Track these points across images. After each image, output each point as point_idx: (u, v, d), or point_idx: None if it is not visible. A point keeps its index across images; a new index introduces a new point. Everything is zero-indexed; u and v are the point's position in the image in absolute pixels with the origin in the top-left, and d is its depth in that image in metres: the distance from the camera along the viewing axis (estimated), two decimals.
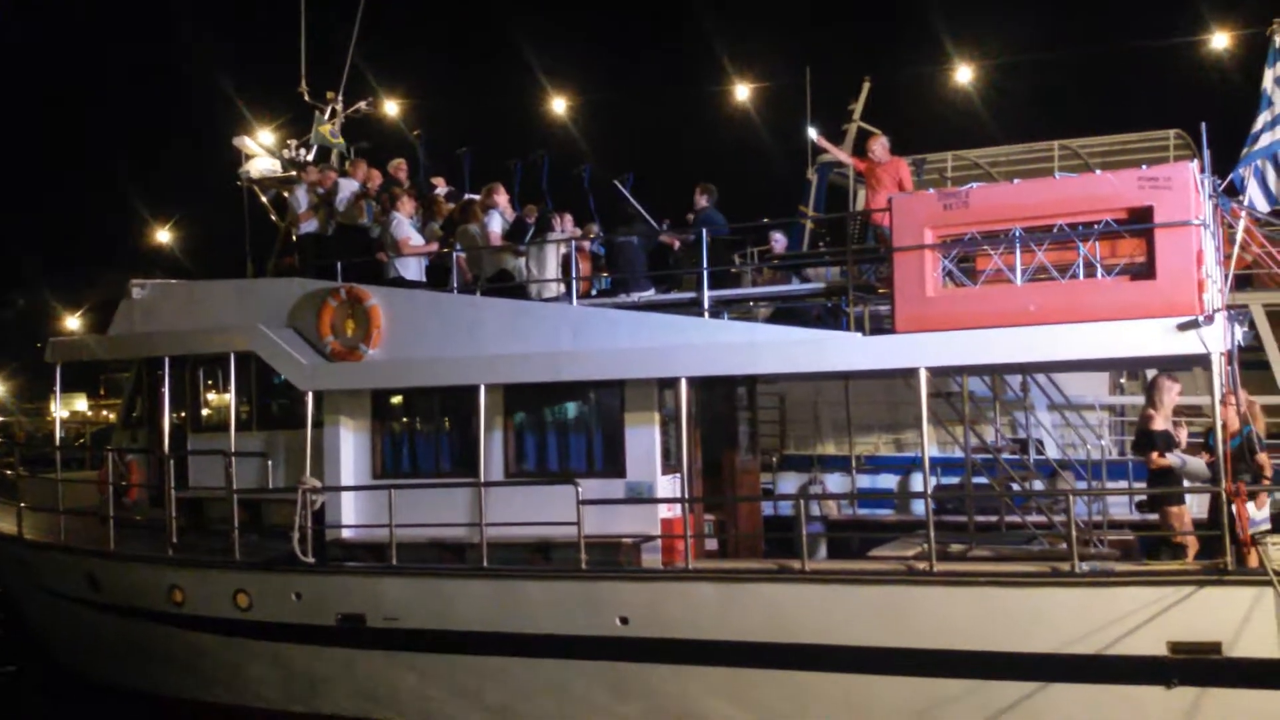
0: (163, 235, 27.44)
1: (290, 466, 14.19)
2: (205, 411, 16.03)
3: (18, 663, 17.42)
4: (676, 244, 13.82)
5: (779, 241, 15.38)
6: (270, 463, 14.45)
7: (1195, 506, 11.18)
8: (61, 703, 15.54)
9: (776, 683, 11.21)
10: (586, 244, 14.49)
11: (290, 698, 13.57)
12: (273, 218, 17.26)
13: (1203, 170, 10.46)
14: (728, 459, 14.02)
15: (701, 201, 13.37)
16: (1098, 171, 11.24)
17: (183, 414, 15.65)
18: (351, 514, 13.58)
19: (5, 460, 18.68)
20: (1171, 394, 10.94)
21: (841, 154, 15.21)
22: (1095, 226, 10.44)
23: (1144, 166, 10.76)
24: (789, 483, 16.83)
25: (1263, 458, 10.38)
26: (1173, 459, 10.60)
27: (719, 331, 11.98)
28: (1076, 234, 10.49)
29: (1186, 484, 10.73)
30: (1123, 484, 14.45)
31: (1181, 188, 10.18)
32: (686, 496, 12.16)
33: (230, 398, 14.65)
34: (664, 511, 12.30)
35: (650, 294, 13.09)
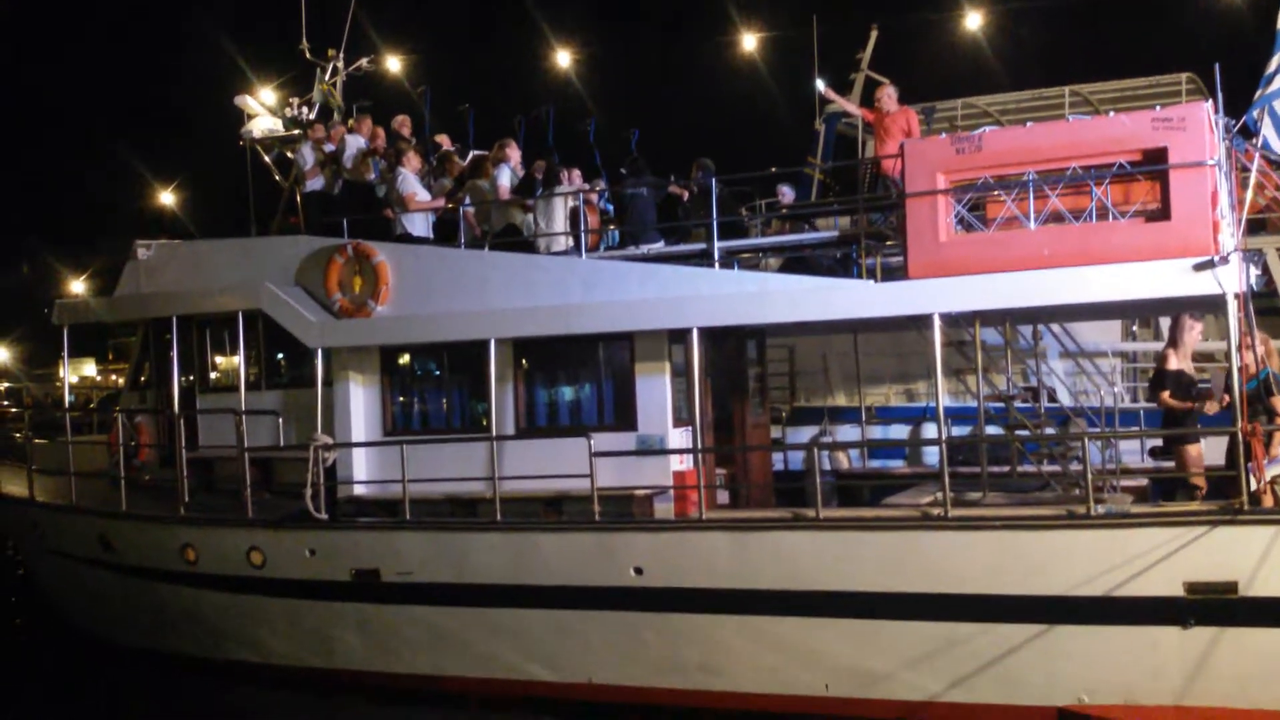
0: (166, 197, 27.32)
1: (301, 424, 14.18)
2: (214, 373, 16.00)
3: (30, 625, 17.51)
4: (685, 195, 13.73)
5: (787, 194, 15.25)
6: (280, 421, 14.44)
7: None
8: (75, 666, 15.61)
9: (791, 629, 11.25)
10: (594, 197, 14.38)
11: (305, 653, 13.64)
12: (276, 177, 17.13)
13: (1217, 111, 10.33)
14: (738, 412, 14.00)
15: (698, 177, 13.33)
16: (1110, 114, 11.09)
17: (191, 375, 15.62)
18: (363, 470, 13.58)
19: (14, 425, 18.67)
20: (1193, 334, 10.88)
21: (849, 105, 15.04)
22: (1109, 169, 10.35)
23: (1158, 108, 10.64)
24: (800, 436, 16.80)
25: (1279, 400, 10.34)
26: None
27: (729, 282, 11.91)
28: (1090, 176, 10.39)
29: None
30: (1136, 430, 14.41)
31: (1196, 128, 10.08)
32: (698, 447, 12.14)
33: (239, 357, 14.63)
34: (676, 464, 12.29)
35: (659, 246, 13.01)
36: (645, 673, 11.93)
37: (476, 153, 15.30)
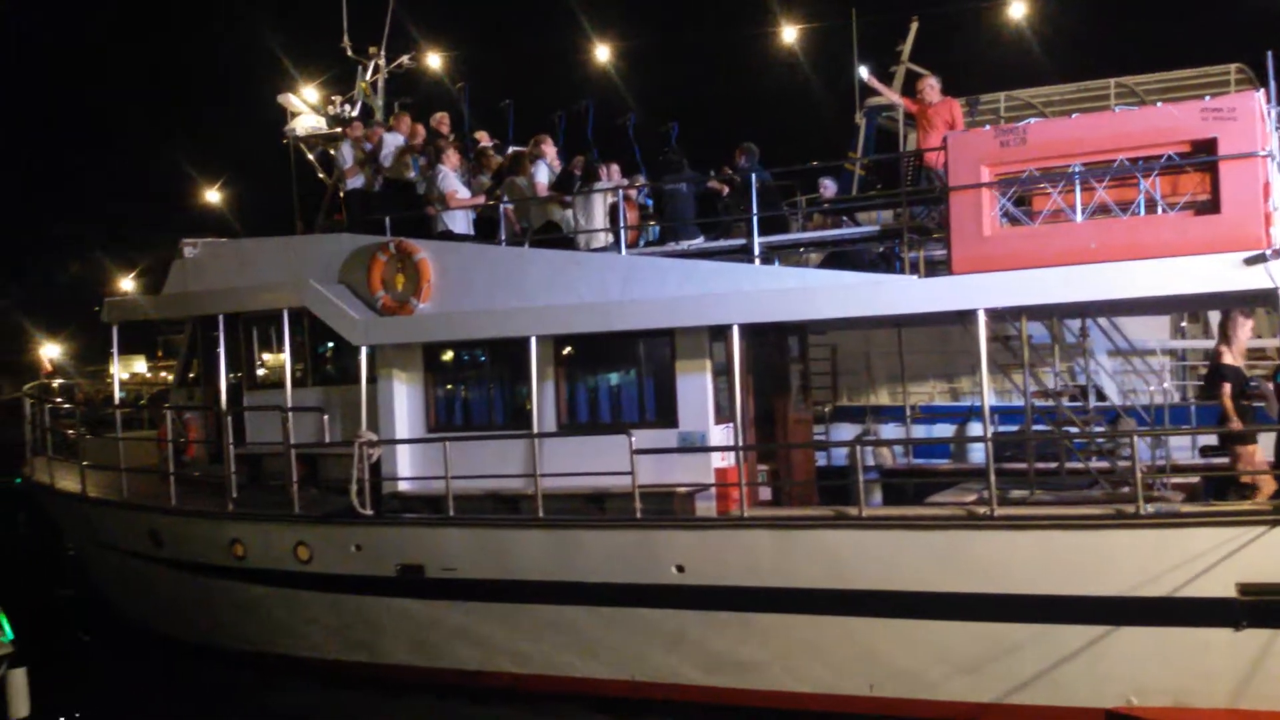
0: (212, 195, 27.65)
1: (346, 421, 14.30)
2: (261, 370, 16.19)
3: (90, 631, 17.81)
4: (725, 191, 13.67)
5: (828, 188, 15.14)
6: (326, 418, 14.57)
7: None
8: (126, 659, 15.87)
9: (834, 629, 11.18)
10: (634, 193, 14.36)
11: (350, 648, 13.77)
12: (319, 174, 17.29)
13: (1269, 101, 10.12)
14: (780, 409, 13.93)
15: (741, 162, 13.20)
16: (1158, 106, 10.89)
17: (238, 372, 15.82)
18: (407, 467, 13.68)
19: (67, 421, 19.00)
20: (1245, 330, 10.69)
21: (893, 95, 14.87)
22: (1157, 161, 10.17)
23: (1207, 98, 10.44)
24: (842, 434, 16.67)
25: None
26: None
27: (770, 277, 11.85)
28: (1138, 169, 10.22)
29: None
30: (1187, 428, 14.17)
31: (1247, 118, 9.88)
32: (740, 445, 12.09)
33: (285, 354, 14.78)
34: (718, 461, 12.25)
35: (699, 242, 12.97)
36: (687, 670, 11.91)
37: (514, 149, 15.33)
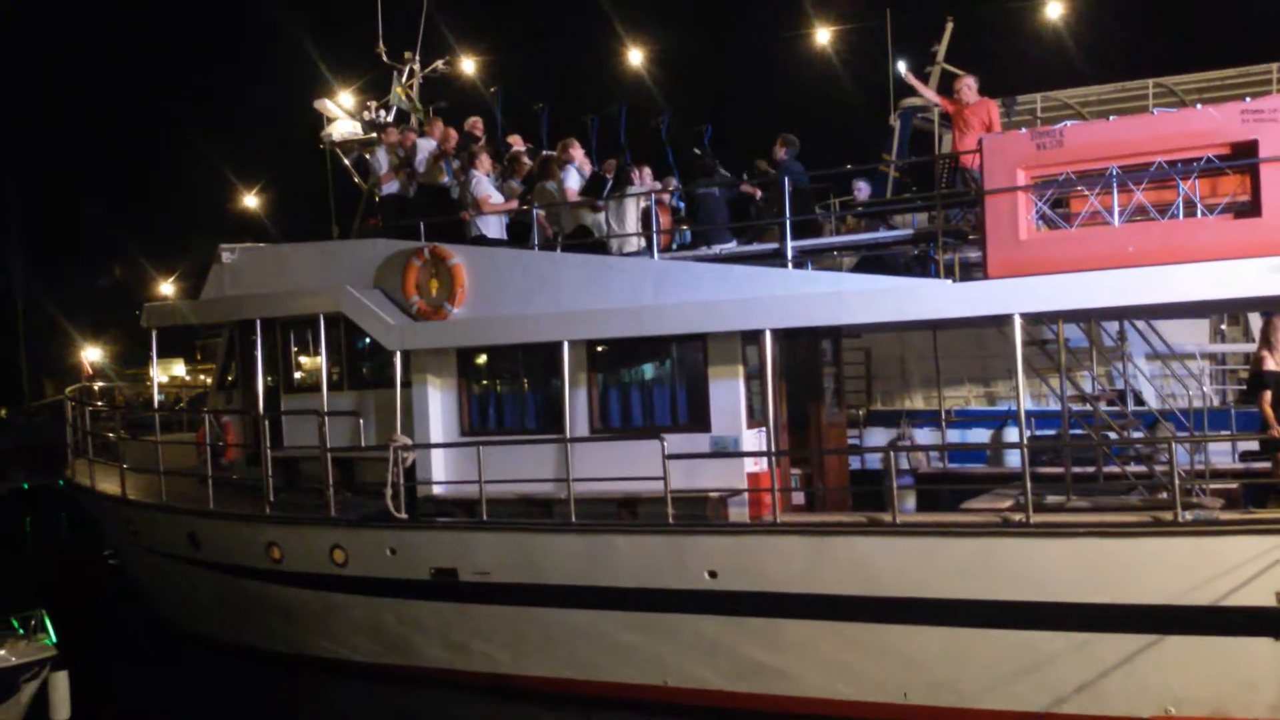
0: (250, 200, 27.95)
1: (381, 425, 14.40)
2: (298, 374, 16.33)
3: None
4: (758, 194, 13.63)
5: (863, 190, 15.05)
6: (361, 422, 14.69)
7: None
8: (166, 663, 16.05)
9: (867, 636, 11.13)
10: (666, 197, 14.36)
11: (385, 651, 13.86)
12: (355, 179, 17.42)
13: None
14: (814, 413, 13.88)
15: (780, 154, 13.13)
16: (1197, 107, 10.76)
17: (275, 376, 15.96)
18: (441, 471, 13.76)
19: (107, 424, 19.24)
20: None
21: (929, 93, 14.76)
22: (1196, 163, 10.04)
23: (1247, 99, 10.29)
24: (876, 438, 16.60)
25: None
26: None
27: (803, 282, 11.81)
28: (1176, 171, 10.10)
29: None
30: (1226, 433, 13.98)
31: None
32: (773, 450, 12.06)
33: (321, 358, 14.90)
34: (750, 466, 12.23)
35: (732, 246, 12.95)
36: (719, 676, 11.90)
37: (545, 153, 15.37)
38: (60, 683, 12.08)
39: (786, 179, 12.15)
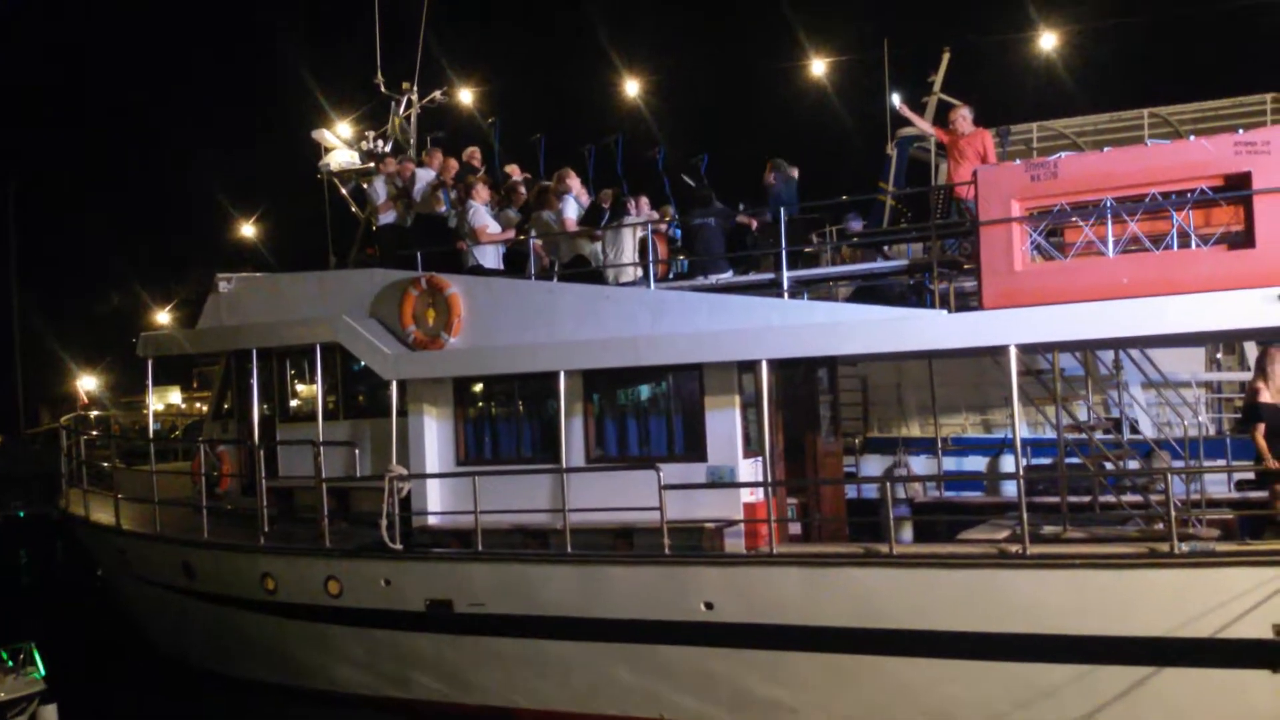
0: (247, 229, 28.00)
1: (376, 455, 14.37)
2: (294, 403, 16.31)
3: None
4: (754, 224, 13.67)
5: (854, 226, 15.07)
6: (357, 451, 14.65)
7: None
8: (155, 692, 15.93)
9: (864, 668, 11.07)
10: (663, 227, 14.40)
11: (380, 683, 13.77)
12: (353, 209, 17.46)
13: None
14: (810, 442, 13.86)
15: (770, 179, 13.19)
16: (1191, 138, 10.81)
17: (271, 405, 15.94)
18: (437, 501, 13.71)
19: (102, 453, 19.18)
20: None
21: (924, 124, 14.85)
22: (1190, 195, 10.09)
23: (1240, 131, 10.35)
24: (873, 466, 16.58)
25: None
26: None
27: (799, 312, 11.82)
28: (1170, 203, 10.14)
29: None
30: (1221, 463, 13.97)
31: None
32: (769, 480, 12.04)
33: (318, 388, 14.89)
34: (746, 496, 12.20)
35: (728, 276, 12.98)
36: (716, 709, 11.82)
37: (542, 183, 15.42)
38: (49, 717, 12.00)
39: (782, 210, 12.18)
